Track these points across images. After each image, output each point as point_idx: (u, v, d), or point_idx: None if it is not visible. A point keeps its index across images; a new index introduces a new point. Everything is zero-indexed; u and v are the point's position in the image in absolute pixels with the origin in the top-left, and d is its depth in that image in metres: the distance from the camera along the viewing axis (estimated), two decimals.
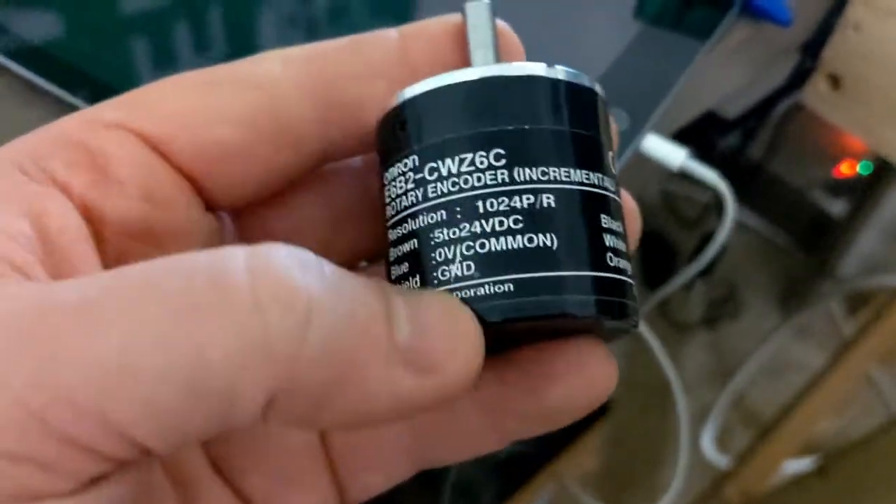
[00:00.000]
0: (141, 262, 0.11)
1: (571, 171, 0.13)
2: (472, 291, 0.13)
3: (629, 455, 0.83)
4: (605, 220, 0.14)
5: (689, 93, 0.40)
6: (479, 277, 0.13)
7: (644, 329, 0.62)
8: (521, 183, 0.13)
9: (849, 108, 0.47)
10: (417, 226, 0.13)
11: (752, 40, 0.43)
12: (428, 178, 0.13)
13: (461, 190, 0.13)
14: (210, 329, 0.10)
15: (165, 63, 0.33)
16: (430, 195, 0.13)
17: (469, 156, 0.13)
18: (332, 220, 0.16)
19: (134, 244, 0.14)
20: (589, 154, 0.14)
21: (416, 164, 0.13)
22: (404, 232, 0.14)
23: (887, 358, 0.82)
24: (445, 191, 0.13)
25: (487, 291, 0.13)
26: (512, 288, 0.13)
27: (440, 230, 0.13)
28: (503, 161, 0.13)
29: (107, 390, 0.10)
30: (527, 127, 0.13)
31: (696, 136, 0.55)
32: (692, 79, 0.37)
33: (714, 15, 0.39)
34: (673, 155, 0.34)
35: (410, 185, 0.13)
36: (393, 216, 0.14)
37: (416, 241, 0.13)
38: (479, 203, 0.13)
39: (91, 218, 0.14)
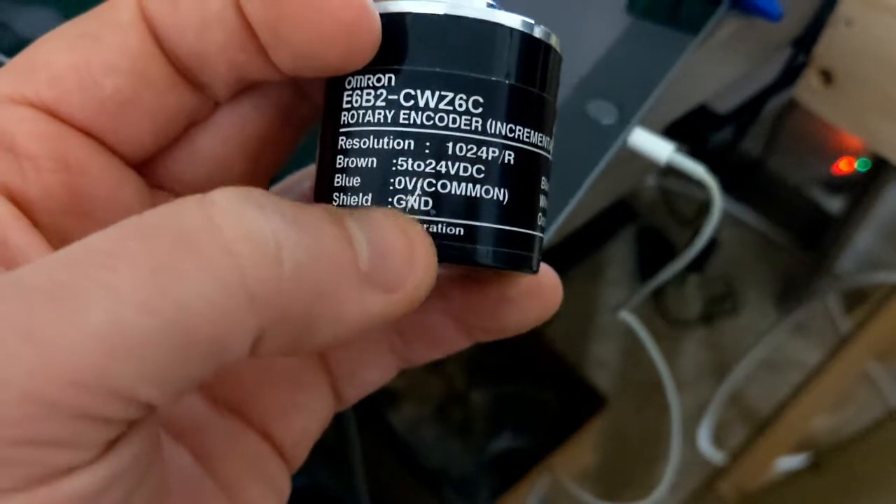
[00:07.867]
0: (96, 233, 0.11)
1: (532, 132, 0.14)
2: (425, 227, 0.13)
3: (625, 451, 0.83)
4: (543, 182, 0.14)
5: (681, 87, 0.40)
6: (434, 215, 0.13)
7: (639, 326, 0.62)
8: (491, 135, 0.13)
9: (841, 103, 0.47)
10: (380, 146, 0.13)
11: (744, 35, 0.43)
12: (403, 103, 0.13)
13: (435, 126, 0.13)
14: (188, 282, 0.10)
15: None
16: (402, 121, 0.13)
17: (450, 95, 0.13)
18: (245, 150, 0.15)
19: (68, 220, 0.13)
20: (548, 118, 0.14)
21: (392, 84, 0.13)
22: (363, 147, 0.13)
23: (884, 354, 0.82)
24: (418, 122, 0.13)
25: (439, 230, 0.13)
26: (462, 233, 0.13)
27: (405, 158, 0.13)
28: (480, 110, 0.13)
29: (103, 363, 0.10)
30: (508, 82, 0.13)
31: (688, 130, 0.55)
32: (682, 73, 0.37)
33: (704, 9, 0.39)
34: (660, 149, 0.34)
35: (381, 103, 0.13)
36: (351, 124, 0.14)
37: (374, 159, 0.13)
38: (450, 144, 0.13)
39: (17, 202, 0.13)
